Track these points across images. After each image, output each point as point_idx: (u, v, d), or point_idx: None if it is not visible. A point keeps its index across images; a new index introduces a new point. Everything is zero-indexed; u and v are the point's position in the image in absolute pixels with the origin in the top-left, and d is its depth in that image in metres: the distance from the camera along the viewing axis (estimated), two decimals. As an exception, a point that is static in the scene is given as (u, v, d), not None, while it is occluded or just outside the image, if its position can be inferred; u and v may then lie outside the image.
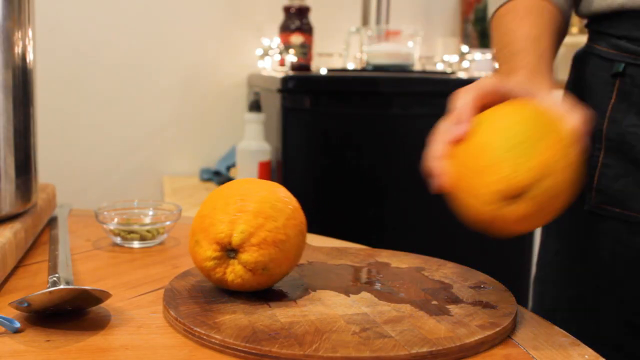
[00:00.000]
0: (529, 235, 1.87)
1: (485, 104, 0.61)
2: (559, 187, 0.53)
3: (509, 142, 0.53)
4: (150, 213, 0.87)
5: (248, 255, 0.58)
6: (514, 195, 0.52)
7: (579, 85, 0.86)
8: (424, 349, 0.51)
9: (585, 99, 0.83)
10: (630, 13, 0.77)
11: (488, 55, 2.09)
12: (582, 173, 0.55)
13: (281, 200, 0.61)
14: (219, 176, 2.31)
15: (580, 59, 0.87)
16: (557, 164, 0.53)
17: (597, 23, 0.84)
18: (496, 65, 0.77)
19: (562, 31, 0.81)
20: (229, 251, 0.59)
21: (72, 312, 0.58)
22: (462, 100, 0.61)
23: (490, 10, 0.84)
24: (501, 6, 0.80)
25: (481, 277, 0.69)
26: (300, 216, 0.62)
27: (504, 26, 0.78)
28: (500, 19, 0.79)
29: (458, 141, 0.58)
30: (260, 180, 0.64)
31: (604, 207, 0.79)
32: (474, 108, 0.60)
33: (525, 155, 0.53)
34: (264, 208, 0.59)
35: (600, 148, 0.80)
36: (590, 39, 0.86)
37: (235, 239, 0.58)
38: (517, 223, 0.54)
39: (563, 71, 0.96)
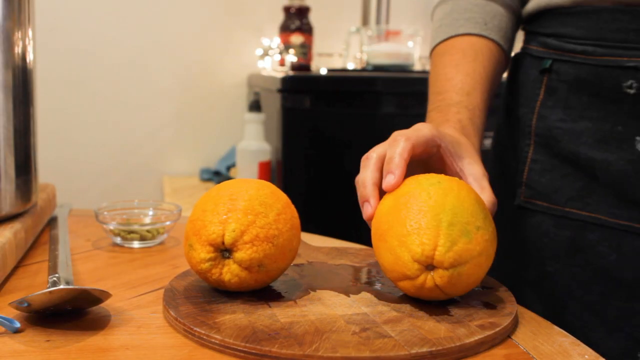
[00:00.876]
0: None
1: (418, 153, 0.64)
2: (474, 273, 0.57)
3: (447, 219, 0.56)
4: (150, 213, 0.87)
5: (242, 253, 0.58)
6: (430, 266, 0.56)
7: (513, 85, 0.88)
8: (424, 349, 0.51)
9: (517, 97, 0.85)
10: (555, 11, 0.79)
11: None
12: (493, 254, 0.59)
13: (270, 196, 0.61)
14: (219, 176, 2.31)
15: (516, 60, 0.89)
16: (479, 256, 0.57)
17: (529, 24, 0.86)
18: (428, 106, 0.79)
19: (501, 68, 0.83)
20: (223, 251, 0.59)
21: (72, 312, 0.58)
22: (399, 148, 0.62)
23: (431, 45, 0.86)
24: (439, 44, 0.82)
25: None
26: (291, 211, 0.63)
27: (440, 69, 0.80)
28: (438, 59, 0.82)
29: (388, 190, 0.61)
30: (248, 180, 0.64)
31: (532, 201, 0.82)
32: (409, 157, 0.62)
33: (456, 238, 0.56)
34: (253, 205, 0.59)
35: (530, 144, 0.82)
36: (524, 40, 0.88)
37: (228, 238, 0.58)
38: (429, 290, 0.58)
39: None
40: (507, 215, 0.83)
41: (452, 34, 0.82)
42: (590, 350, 0.55)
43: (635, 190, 0.72)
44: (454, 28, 0.82)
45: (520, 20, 0.87)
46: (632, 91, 0.70)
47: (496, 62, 0.82)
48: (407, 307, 0.59)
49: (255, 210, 0.59)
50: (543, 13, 0.82)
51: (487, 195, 0.64)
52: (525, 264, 0.83)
